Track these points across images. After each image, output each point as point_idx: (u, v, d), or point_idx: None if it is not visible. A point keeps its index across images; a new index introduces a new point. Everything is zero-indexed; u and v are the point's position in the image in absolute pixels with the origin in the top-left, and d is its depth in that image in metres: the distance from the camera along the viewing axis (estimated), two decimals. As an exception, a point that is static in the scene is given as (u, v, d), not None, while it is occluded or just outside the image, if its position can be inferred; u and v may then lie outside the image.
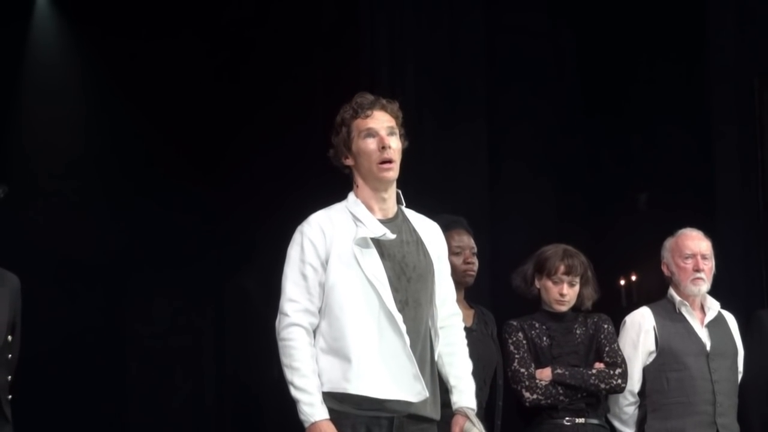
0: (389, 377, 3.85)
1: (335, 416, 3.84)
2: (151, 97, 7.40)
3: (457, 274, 4.62)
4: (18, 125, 7.60)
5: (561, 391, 4.84)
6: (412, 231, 4.02)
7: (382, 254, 3.90)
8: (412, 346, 3.88)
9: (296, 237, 3.96)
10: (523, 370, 4.88)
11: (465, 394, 4.03)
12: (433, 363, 3.98)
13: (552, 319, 4.98)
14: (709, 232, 5.24)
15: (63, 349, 7.17)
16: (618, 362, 4.93)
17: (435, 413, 3.97)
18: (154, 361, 7.63)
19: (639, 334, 5.10)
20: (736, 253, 6.49)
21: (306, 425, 3.84)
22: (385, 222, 3.96)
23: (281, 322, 3.91)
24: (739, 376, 5.16)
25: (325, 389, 3.86)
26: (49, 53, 7.73)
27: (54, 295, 7.20)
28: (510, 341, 4.94)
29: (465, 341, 4.13)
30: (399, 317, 3.87)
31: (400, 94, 6.32)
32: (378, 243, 3.91)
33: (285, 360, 3.88)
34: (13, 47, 7.51)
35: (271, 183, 7.27)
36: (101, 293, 7.60)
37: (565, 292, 4.94)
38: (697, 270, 5.10)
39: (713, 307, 5.17)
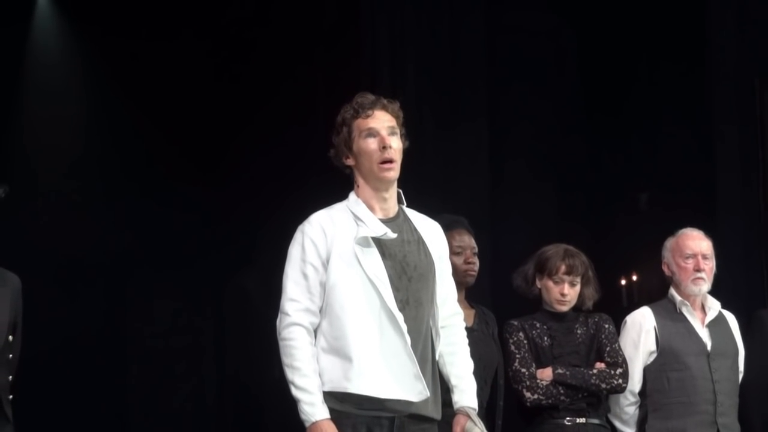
0: (390, 377, 3.85)
1: (336, 416, 3.84)
2: (151, 97, 7.39)
3: (458, 274, 4.62)
4: (19, 125, 7.59)
5: (562, 391, 4.84)
6: (413, 230, 4.02)
7: (383, 253, 3.90)
8: (413, 345, 3.88)
9: (297, 236, 3.96)
10: (524, 370, 4.88)
11: (466, 394, 4.03)
12: (434, 362, 3.98)
13: (553, 319, 4.97)
14: (709, 232, 5.24)
15: (63, 349, 7.17)
16: (619, 362, 4.93)
17: (436, 413, 3.96)
18: (154, 361, 7.62)
19: (640, 333, 5.10)
20: (736, 253, 6.49)
21: (307, 425, 3.84)
22: (386, 221, 3.96)
23: (282, 322, 3.91)
24: (740, 376, 5.16)
25: (326, 389, 3.85)
26: (50, 53, 7.73)
27: (54, 295, 7.19)
28: (511, 341, 4.94)
29: (466, 341, 4.13)
30: (400, 316, 3.86)
31: (400, 94, 6.34)
32: (379, 242, 3.91)
33: (286, 359, 3.88)
34: (13, 47, 7.51)
35: (271, 183, 7.27)
36: (101, 293, 7.60)
37: (566, 292, 4.94)
38: (698, 270, 5.10)
39: (714, 306, 5.17)
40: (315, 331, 3.91)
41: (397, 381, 3.86)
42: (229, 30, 7.65)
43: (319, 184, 4.67)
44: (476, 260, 5.03)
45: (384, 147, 3.94)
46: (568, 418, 4.86)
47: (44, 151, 7.54)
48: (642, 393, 5.08)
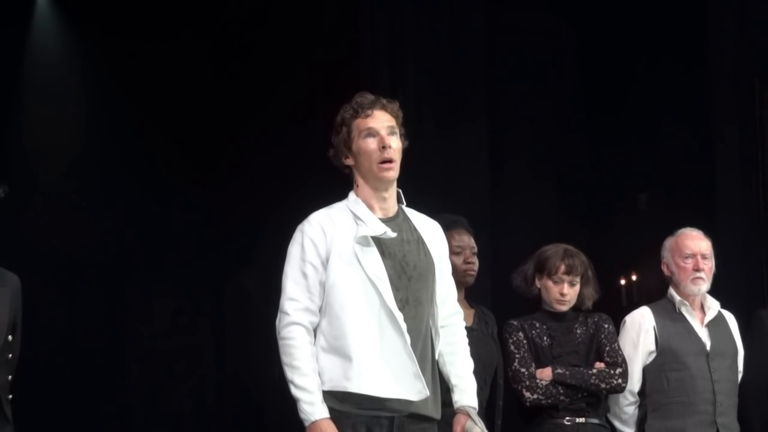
0: (390, 376, 3.85)
1: (336, 415, 3.84)
2: (151, 96, 7.39)
3: (457, 274, 4.61)
4: (18, 125, 7.59)
5: (561, 391, 4.84)
6: (413, 230, 4.02)
7: (383, 253, 3.90)
8: (413, 344, 3.88)
9: (297, 236, 3.96)
10: (523, 369, 4.88)
11: (466, 393, 4.03)
12: (434, 362, 3.98)
13: (552, 319, 4.98)
14: (709, 232, 5.24)
15: (63, 349, 7.17)
16: (618, 362, 4.93)
17: (436, 412, 3.96)
18: (154, 361, 7.62)
19: (639, 333, 5.10)
20: (736, 252, 6.50)
21: (306, 424, 3.84)
22: (385, 221, 3.96)
23: (281, 321, 3.91)
24: (740, 376, 5.16)
25: (326, 388, 3.85)
26: (50, 53, 7.73)
27: (54, 295, 7.19)
28: (510, 341, 4.94)
29: (466, 340, 4.13)
30: (400, 316, 3.87)
31: (400, 94, 6.34)
32: (379, 242, 3.91)
33: (285, 359, 3.88)
34: (13, 47, 7.51)
35: (271, 183, 7.27)
36: (101, 293, 7.60)
37: (565, 292, 4.94)
38: (697, 270, 5.10)
39: (713, 306, 5.17)
40: (315, 331, 3.91)
41: (397, 380, 3.86)
42: (229, 30, 7.65)
43: (319, 184, 4.67)
44: (476, 260, 5.03)
45: (383, 147, 3.94)
46: (567, 418, 4.86)
47: (44, 151, 7.54)
48: (641, 393, 5.08)
